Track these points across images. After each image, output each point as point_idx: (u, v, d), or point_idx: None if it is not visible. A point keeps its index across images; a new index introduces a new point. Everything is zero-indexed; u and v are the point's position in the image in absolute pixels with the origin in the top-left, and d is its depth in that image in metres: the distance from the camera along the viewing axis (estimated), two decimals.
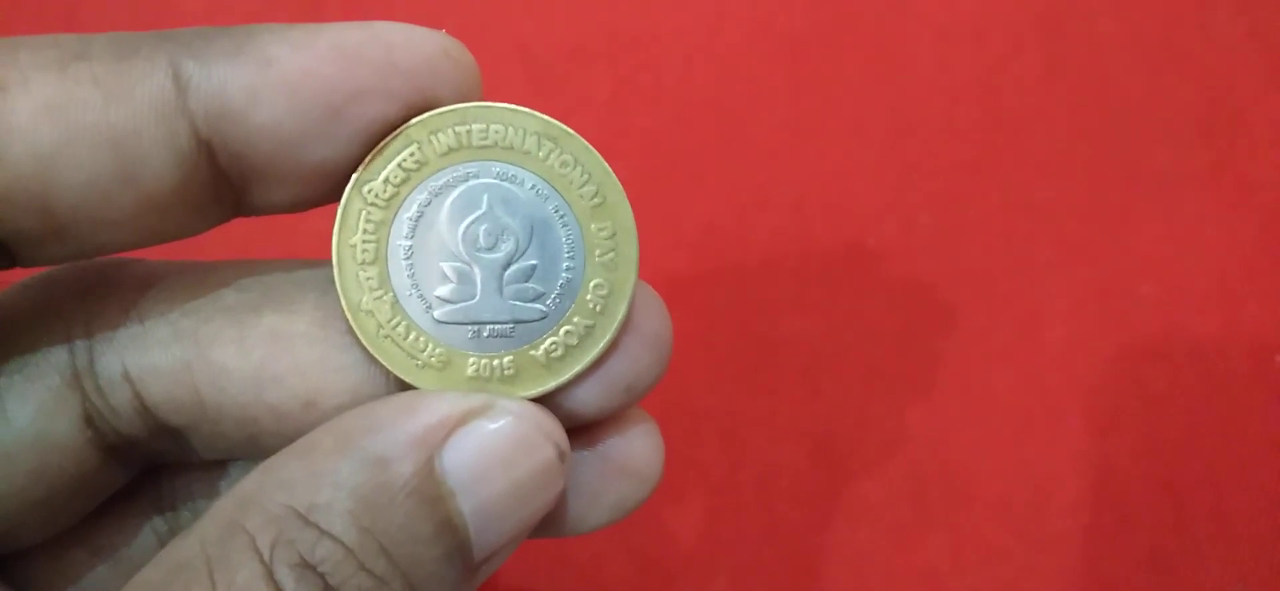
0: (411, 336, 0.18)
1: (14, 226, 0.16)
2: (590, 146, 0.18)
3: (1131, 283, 0.31)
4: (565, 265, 0.18)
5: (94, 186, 0.16)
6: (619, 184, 0.18)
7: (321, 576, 0.15)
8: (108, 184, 0.16)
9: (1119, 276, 0.31)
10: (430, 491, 0.16)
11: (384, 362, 0.18)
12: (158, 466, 0.21)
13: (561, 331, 0.18)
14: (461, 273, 0.18)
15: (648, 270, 0.19)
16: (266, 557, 0.15)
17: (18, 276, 0.19)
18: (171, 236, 0.18)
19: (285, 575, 0.15)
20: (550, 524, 0.19)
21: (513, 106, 0.18)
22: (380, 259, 0.18)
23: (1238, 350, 0.30)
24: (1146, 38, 0.33)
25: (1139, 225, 0.32)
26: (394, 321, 0.18)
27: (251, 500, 0.16)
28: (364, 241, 0.18)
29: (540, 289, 0.18)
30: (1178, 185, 0.32)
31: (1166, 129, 0.32)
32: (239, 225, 0.19)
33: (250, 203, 0.18)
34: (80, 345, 0.19)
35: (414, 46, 0.17)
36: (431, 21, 0.18)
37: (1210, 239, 0.31)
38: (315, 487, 0.16)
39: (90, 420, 0.19)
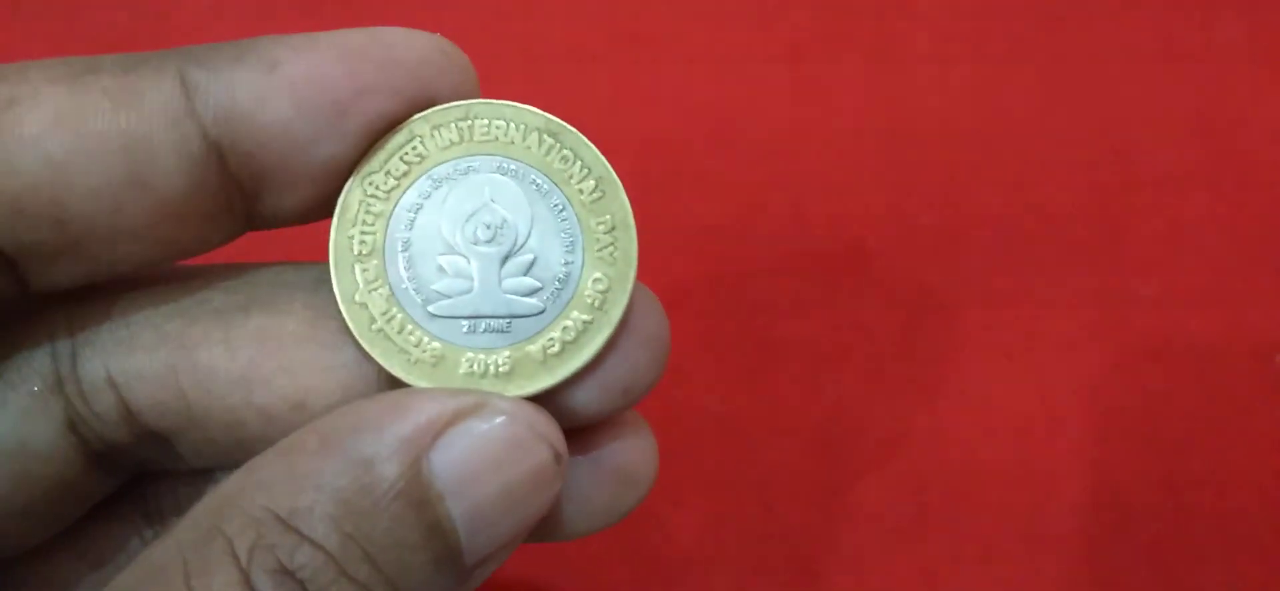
0: (405, 330, 0.18)
1: (28, 238, 0.16)
2: (589, 142, 0.18)
3: (1131, 283, 0.31)
4: (564, 260, 0.18)
5: (106, 193, 0.16)
6: (618, 179, 0.18)
7: (301, 583, 0.15)
8: (120, 190, 0.16)
9: (1119, 276, 0.31)
10: (418, 494, 0.16)
11: (377, 357, 0.18)
12: (145, 474, 0.20)
13: (559, 327, 0.18)
14: (458, 266, 0.18)
15: (647, 271, 0.18)
16: (244, 563, 0.15)
17: None
18: (185, 251, 0.18)
19: (263, 581, 0.15)
20: (544, 528, 0.18)
21: (515, 103, 0.18)
22: (377, 251, 0.18)
23: (1238, 350, 0.30)
24: (1146, 38, 0.33)
25: (1139, 225, 0.32)
26: (388, 314, 0.18)
27: (231, 501, 0.15)
28: (362, 233, 0.18)
29: (538, 283, 0.18)
30: (1178, 185, 0.32)
31: (1166, 129, 0.32)
32: None
33: (261, 211, 0.18)
34: (63, 349, 0.18)
35: (413, 46, 0.18)
36: (432, 22, 0.18)
37: (1210, 239, 0.31)
38: (297, 490, 0.15)
39: (74, 426, 0.18)
